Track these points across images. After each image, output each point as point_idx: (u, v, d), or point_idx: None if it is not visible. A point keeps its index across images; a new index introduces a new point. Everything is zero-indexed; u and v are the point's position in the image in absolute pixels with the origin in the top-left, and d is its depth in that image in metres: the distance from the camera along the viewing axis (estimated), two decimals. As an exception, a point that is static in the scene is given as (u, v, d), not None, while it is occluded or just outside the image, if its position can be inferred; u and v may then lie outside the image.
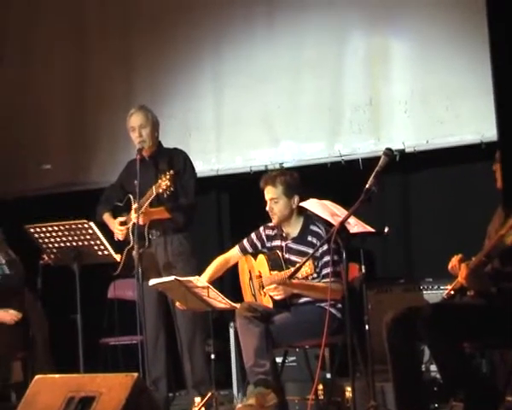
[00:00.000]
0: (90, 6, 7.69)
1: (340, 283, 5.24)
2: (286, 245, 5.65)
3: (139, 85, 7.48)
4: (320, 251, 5.36)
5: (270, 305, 5.58)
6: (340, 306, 5.40)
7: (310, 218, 5.61)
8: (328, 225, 5.34)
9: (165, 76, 7.42)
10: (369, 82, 6.79)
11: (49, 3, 7.79)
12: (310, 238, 5.56)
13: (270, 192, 5.63)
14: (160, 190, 5.85)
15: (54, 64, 7.77)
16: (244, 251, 5.85)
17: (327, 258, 5.38)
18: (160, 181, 5.84)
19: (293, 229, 5.66)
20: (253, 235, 5.81)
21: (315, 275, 5.40)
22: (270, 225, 5.74)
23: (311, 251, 5.30)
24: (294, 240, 5.63)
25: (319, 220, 5.53)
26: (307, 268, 5.05)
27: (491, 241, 4.55)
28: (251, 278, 5.84)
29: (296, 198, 5.61)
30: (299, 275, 5.06)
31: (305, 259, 5.03)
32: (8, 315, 6.31)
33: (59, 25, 7.76)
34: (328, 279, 5.27)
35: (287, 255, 5.62)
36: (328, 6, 6.87)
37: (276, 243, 5.71)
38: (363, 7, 6.76)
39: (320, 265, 5.46)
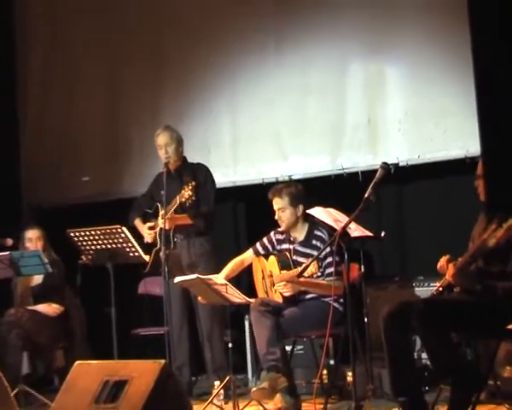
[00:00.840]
0: (124, 40, 7.69)
1: (342, 280, 5.23)
2: (293, 248, 5.64)
3: (165, 107, 7.48)
4: (324, 253, 5.35)
5: (281, 300, 5.58)
6: (342, 301, 5.38)
7: (314, 224, 5.60)
8: (331, 229, 5.33)
9: (188, 99, 7.41)
10: (367, 104, 6.77)
11: (90, 36, 7.80)
12: (314, 242, 5.55)
13: (277, 203, 5.62)
14: (183, 200, 5.86)
15: (92, 90, 7.77)
16: (257, 253, 5.84)
17: (330, 259, 5.38)
18: (183, 191, 5.86)
19: (300, 234, 5.65)
20: (264, 239, 5.80)
21: (319, 274, 5.39)
22: (280, 230, 5.73)
23: (315, 253, 5.30)
24: (301, 243, 5.63)
25: (323, 226, 5.52)
26: (312, 268, 5.04)
27: (475, 244, 4.54)
28: (263, 277, 5.84)
29: (301, 207, 5.60)
30: (305, 274, 5.06)
31: (311, 260, 5.03)
32: (51, 309, 6.33)
33: (97, 55, 7.76)
34: (331, 277, 5.28)
35: (294, 257, 5.61)
36: (331, 37, 6.85)
37: (285, 246, 5.71)
38: (361, 38, 6.74)
39: (324, 265, 5.45)
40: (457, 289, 4.58)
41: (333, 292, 4.90)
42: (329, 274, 5.40)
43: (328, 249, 5.31)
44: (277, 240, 5.76)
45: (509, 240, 4.25)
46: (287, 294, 5.47)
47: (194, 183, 5.92)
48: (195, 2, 7.40)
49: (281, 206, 5.61)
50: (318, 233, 5.57)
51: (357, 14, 6.72)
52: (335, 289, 5.05)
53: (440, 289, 4.59)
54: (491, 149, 4.34)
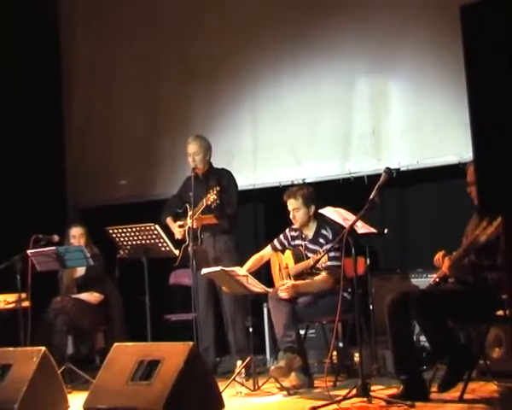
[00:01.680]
0: (160, 56, 7.75)
1: (339, 268, 5.15)
2: (305, 244, 5.67)
3: (194, 118, 7.50)
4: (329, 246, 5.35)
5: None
6: (350, 290, 5.40)
7: (321, 223, 5.61)
8: (340, 227, 5.35)
9: (214, 110, 7.43)
10: (372, 115, 6.77)
11: (128, 55, 7.85)
12: (320, 240, 5.57)
13: (292, 204, 5.64)
14: (209, 202, 5.89)
15: (129, 103, 7.83)
16: (275, 249, 5.86)
17: (332, 253, 5.35)
18: (208, 195, 5.89)
19: (310, 232, 5.67)
20: (281, 236, 5.82)
21: (328, 263, 5.43)
22: (294, 227, 5.75)
23: (320, 250, 5.34)
24: (310, 241, 5.65)
25: (330, 225, 5.54)
26: (323, 259, 5.12)
27: (468, 239, 4.55)
28: (280, 269, 5.86)
29: (313, 207, 5.62)
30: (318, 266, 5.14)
31: (322, 253, 5.09)
32: (93, 297, 6.38)
33: (135, 69, 7.81)
34: (330, 263, 5.31)
35: (305, 252, 5.64)
36: (340, 56, 6.85)
37: (298, 241, 5.73)
38: (367, 57, 6.75)
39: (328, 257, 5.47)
40: (452, 280, 4.59)
41: (342, 284, 4.88)
42: (331, 258, 5.36)
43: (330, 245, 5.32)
44: (292, 236, 5.77)
45: (498, 236, 4.26)
46: (283, 296, 5.37)
47: (218, 188, 5.94)
48: (222, 25, 7.44)
49: (295, 206, 5.64)
50: (324, 232, 5.58)
51: (363, 35, 6.73)
52: (328, 281, 5.11)
53: (437, 280, 4.61)
54: (482, 156, 4.35)
